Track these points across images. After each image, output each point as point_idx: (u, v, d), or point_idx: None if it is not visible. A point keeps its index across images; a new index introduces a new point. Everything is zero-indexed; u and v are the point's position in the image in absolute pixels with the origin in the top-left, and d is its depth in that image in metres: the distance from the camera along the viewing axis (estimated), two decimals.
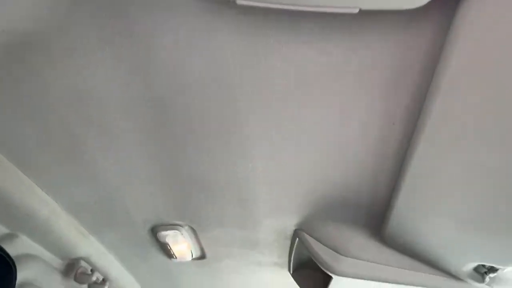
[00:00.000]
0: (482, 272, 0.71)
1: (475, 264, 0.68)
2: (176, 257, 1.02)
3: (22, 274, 0.71)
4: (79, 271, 0.91)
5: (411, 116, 0.52)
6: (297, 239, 0.86)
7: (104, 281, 1.00)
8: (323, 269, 0.79)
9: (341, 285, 0.84)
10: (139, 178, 0.74)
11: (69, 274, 0.89)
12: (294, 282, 1.06)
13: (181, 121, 0.60)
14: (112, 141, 0.65)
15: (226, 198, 0.78)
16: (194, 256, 1.06)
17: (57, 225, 0.78)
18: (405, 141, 0.56)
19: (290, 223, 0.84)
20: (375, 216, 0.77)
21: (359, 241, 0.78)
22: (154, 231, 0.91)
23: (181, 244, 0.98)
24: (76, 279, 0.90)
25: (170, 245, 0.96)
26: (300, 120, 0.58)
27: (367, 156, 0.62)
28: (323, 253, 0.79)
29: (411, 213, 0.67)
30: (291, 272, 1.06)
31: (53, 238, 0.79)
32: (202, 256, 1.07)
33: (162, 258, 1.06)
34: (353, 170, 0.67)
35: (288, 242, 0.94)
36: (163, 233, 0.91)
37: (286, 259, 1.03)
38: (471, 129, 0.46)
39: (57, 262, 0.86)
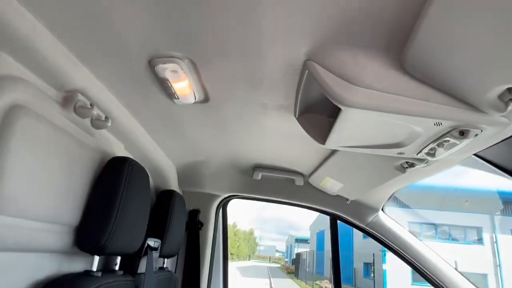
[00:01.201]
0: (506, 100, 0.66)
1: (501, 89, 0.62)
2: (177, 97, 0.99)
3: (9, 96, 0.67)
4: (78, 104, 0.88)
5: None
6: (307, 71, 0.79)
7: (107, 118, 0.99)
8: (332, 100, 0.75)
9: (350, 119, 0.81)
10: None
11: (67, 106, 0.86)
12: (299, 128, 1.05)
13: None
14: None
15: (228, 19, 0.67)
16: (197, 99, 1.02)
17: (42, 46, 0.70)
18: None
19: (299, 52, 0.76)
20: (395, 43, 0.68)
21: (374, 70, 0.71)
22: (152, 64, 0.84)
23: (182, 82, 0.92)
24: (76, 112, 0.88)
25: (171, 82, 0.91)
26: None
27: None
28: (333, 84, 0.73)
29: (437, 36, 0.58)
30: (297, 116, 1.04)
31: (40, 61, 0.73)
32: (205, 99, 1.04)
33: (164, 99, 1.02)
34: None
35: (296, 80, 0.88)
36: (162, 66, 0.84)
37: (293, 101, 0.99)
38: None
39: (52, 91, 0.82)
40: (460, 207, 17.17)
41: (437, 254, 1.61)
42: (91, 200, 0.94)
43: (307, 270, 23.63)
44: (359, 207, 1.70)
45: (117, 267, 1.08)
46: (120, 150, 1.18)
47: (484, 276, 15.05)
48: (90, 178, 0.96)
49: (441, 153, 0.89)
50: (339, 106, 0.75)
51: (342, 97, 0.73)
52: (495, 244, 16.56)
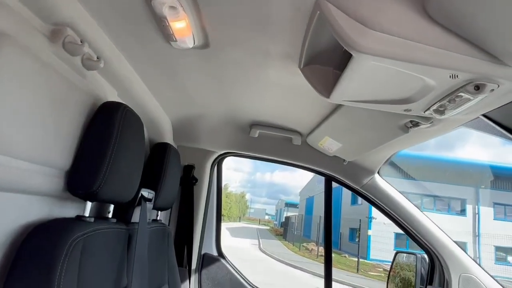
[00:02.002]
0: None
1: None
2: (175, 39, 0.91)
3: None
4: (67, 39, 0.81)
5: None
6: (318, 12, 0.72)
7: (99, 58, 0.92)
8: (344, 45, 0.69)
9: (361, 68, 0.76)
10: None
11: (56, 41, 0.79)
12: (302, 81, 1.00)
13: None
14: None
15: None
16: (196, 43, 0.95)
17: None
18: None
19: None
20: None
21: (394, 12, 0.65)
22: None
23: (181, 21, 0.85)
24: (65, 48, 0.81)
25: (168, 20, 0.84)
26: None
27: None
28: (347, 26, 0.67)
29: None
30: (301, 67, 0.99)
31: None
32: (205, 44, 0.97)
33: (160, 41, 0.95)
34: None
35: (305, 25, 0.82)
36: (160, 0, 0.77)
37: (298, 50, 0.93)
38: None
39: (38, 22, 0.75)
40: (447, 179, 17.63)
41: (429, 219, 1.63)
42: (83, 144, 0.90)
43: (295, 233, 24.49)
44: (355, 169, 1.69)
45: (110, 215, 1.06)
46: (113, 97, 1.12)
47: (464, 244, 15.79)
48: (81, 122, 0.91)
49: (451, 111, 0.86)
50: (351, 52, 0.70)
51: (355, 41, 0.67)
52: (476, 216, 17.23)
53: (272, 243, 22.21)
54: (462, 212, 17.56)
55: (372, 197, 1.69)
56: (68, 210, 0.95)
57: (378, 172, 1.70)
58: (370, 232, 17.40)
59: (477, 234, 16.69)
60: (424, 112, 0.92)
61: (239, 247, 16.10)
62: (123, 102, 1.01)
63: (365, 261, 15.98)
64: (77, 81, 0.88)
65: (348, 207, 21.01)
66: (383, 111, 1.05)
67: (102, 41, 0.92)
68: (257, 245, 20.00)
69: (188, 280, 1.68)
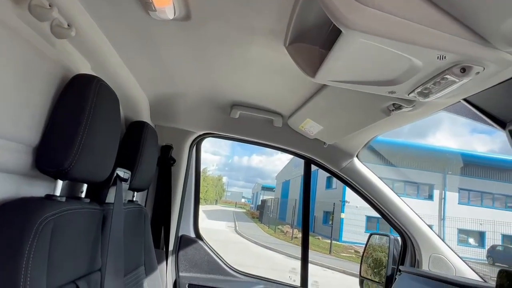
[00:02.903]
0: None
1: None
2: (154, 8, 0.85)
3: None
4: (33, 2, 0.73)
5: None
6: None
7: (70, 26, 0.85)
8: (334, 21, 0.66)
9: (350, 46, 0.74)
10: None
11: (21, 3, 0.71)
12: (286, 59, 0.97)
13: None
14: None
15: None
16: (176, 14, 0.89)
17: None
18: None
19: None
20: None
21: None
22: None
23: None
24: (31, 12, 0.74)
25: None
26: None
27: None
28: (338, 1, 0.64)
29: None
30: (287, 44, 0.95)
31: None
32: (186, 16, 0.91)
33: (138, 10, 0.89)
34: None
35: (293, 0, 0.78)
36: None
37: (285, 26, 0.90)
38: None
39: None
40: (417, 165, 18.36)
41: (404, 201, 1.68)
42: (53, 118, 0.84)
43: (271, 216, 24.91)
44: (334, 152, 1.70)
45: (83, 195, 1.00)
46: (86, 70, 1.05)
47: (430, 227, 16.62)
48: (51, 94, 0.84)
49: (434, 94, 0.86)
50: (341, 27, 0.67)
51: (346, 17, 0.64)
52: (443, 200, 18.16)
53: (248, 226, 22.51)
54: (430, 197, 18.44)
55: (350, 180, 1.72)
56: (38, 189, 0.89)
57: (357, 156, 1.71)
58: (343, 215, 17.96)
59: (442, 217, 17.61)
60: (408, 94, 0.91)
61: (215, 229, 16.20)
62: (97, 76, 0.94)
63: (338, 243, 16.54)
64: (45, 49, 0.81)
65: (323, 191, 21.52)
66: (366, 94, 1.05)
67: (73, 6, 0.85)
68: (233, 227, 20.20)
69: (165, 262, 1.65)
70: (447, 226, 17.12)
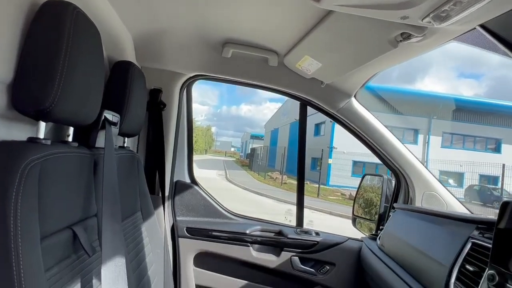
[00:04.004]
0: None
1: None
2: None
3: None
4: None
5: None
6: None
7: None
8: None
9: None
10: None
11: None
12: None
13: None
14: None
15: None
16: None
17: None
18: None
19: None
20: None
21: None
22: None
23: None
24: None
25: None
26: None
27: None
28: None
29: None
30: None
31: None
32: None
33: None
34: None
35: None
36: None
37: None
38: None
39: None
40: (404, 110, 18.59)
41: (399, 141, 1.67)
42: (24, 51, 0.73)
43: (260, 163, 25.42)
44: (331, 92, 1.64)
45: (70, 139, 0.93)
46: None
47: None
48: (19, 24, 0.73)
49: (452, 16, 0.78)
50: None
51: None
52: (426, 144, 18.73)
53: (238, 173, 23.03)
54: (415, 141, 18.96)
55: (347, 121, 1.68)
56: (18, 132, 0.81)
57: (354, 96, 1.66)
58: (330, 161, 18.47)
59: (425, 160, 18.29)
60: (422, 20, 0.83)
61: (206, 177, 16.53)
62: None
63: (325, 187, 17.20)
64: None
65: (311, 138, 21.84)
66: (372, 23, 0.96)
67: None
68: (224, 175, 20.65)
69: (161, 207, 1.65)
70: (430, 168, 17.83)
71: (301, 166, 1.90)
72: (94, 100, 0.91)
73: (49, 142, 0.78)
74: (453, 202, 1.63)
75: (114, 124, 1.10)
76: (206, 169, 22.37)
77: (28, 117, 0.76)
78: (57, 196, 0.76)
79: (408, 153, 1.66)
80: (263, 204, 11.46)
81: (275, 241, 1.75)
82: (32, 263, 0.62)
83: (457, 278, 0.94)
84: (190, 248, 1.72)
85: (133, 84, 1.23)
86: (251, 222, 1.83)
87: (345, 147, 18.11)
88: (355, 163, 18.62)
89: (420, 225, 1.30)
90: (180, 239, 1.72)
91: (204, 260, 1.74)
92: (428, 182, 1.65)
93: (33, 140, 0.76)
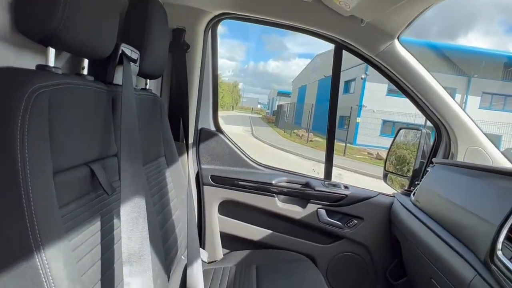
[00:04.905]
0: None
1: None
2: None
3: None
4: None
5: None
6: None
7: None
8: None
9: None
10: None
11: None
12: None
13: None
14: None
15: None
16: None
17: None
18: None
19: None
20: None
21: None
22: None
23: None
24: None
25: None
26: None
27: None
28: None
29: None
30: None
31: None
32: None
33: None
34: None
35: None
36: None
37: None
38: None
39: None
40: (441, 68, 17.39)
41: (445, 91, 1.50)
42: None
43: (286, 120, 25.19)
44: (372, 33, 1.46)
45: (84, 72, 0.87)
46: None
47: None
48: None
49: None
50: None
51: None
52: (463, 104, 17.65)
53: (264, 130, 23.06)
54: None
55: (387, 67, 1.51)
56: (28, 61, 0.75)
57: (398, 38, 1.47)
58: (358, 120, 17.97)
59: None
60: None
61: (232, 133, 16.66)
62: None
63: (352, 146, 16.93)
64: None
65: (340, 96, 21.11)
66: None
67: None
68: (250, 131, 20.74)
69: (186, 154, 1.61)
70: None
71: (332, 117, 1.78)
72: (108, 30, 0.82)
73: (59, 71, 0.72)
74: (501, 159, 1.48)
75: (133, 60, 1.02)
76: (232, 125, 22.52)
77: (36, 43, 0.69)
78: (71, 130, 0.70)
79: (455, 104, 1.49)
80: (289, 160, 11.50)
81: (302, 192, 1.69)
82: (44, 196, 0.58)
83: (507, 237, 0.84)
84: (214, 196, 1.71)
85: (154, 20, 1.13)
86: (277, 173, 1.77)
87: (375, 106, 17.45)
88: (384, 122, 18.03)
89: (464, 181, 1.18)
90: (204, 187, 1.70)
91: (228, 209, 1.73)
92: (474, 136, 1.49)
93: (42, 68, 0.69)
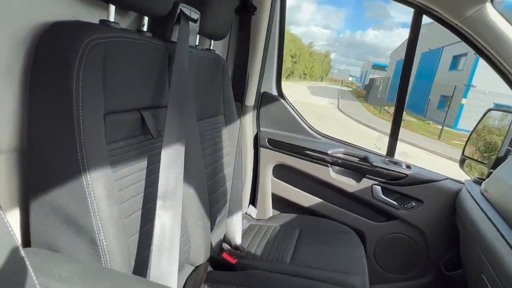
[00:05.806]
0: None
1: None
2: None
3: None
4: None
5: None
6: None
7: None
8: None
9: None
10: None
11: None
12: None
13: None
14: None
15: None
16: None
17: None
18: None
19: None
20: None
21: None
22: None
23: None
24: None
25: None
26: None
27: None
28: None
29: None
30: None
31: None
32: None
33: None
34: None
35: None
36: None
37: None
38: None
39: None
40: None
41: None
42: None
43: (378, 96, 23.49)
44: None
45: (144, 29, 0.97)
46: None
47: None
48: None
49: None
50: None
51: None
52: None
53: (352, 104, 22.01)
54: None
55: (474, 36, 1.30)
56: (96, 17, 0.88)
57: (491, 0, 1.24)
58: (464, 101, 15.77)
59: None
60: None
61: (317, 105, 16.36)
62: None
63: (451, 130, 15.11)
64: None
65: (445, 72, 18.70)
66: None
67: None
68: (336, 104, 20.04)
69: (245, 116, 1.68)
70: None
71: (403, 89, 1.64)
72: None
73: (118, 26, 0.82)
74: None
75: (193, 20, 1.09)
76: (319, 96, 22.00)
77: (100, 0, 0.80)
78: (124, 79, 0.81)
79: None
80: (372, 138, 10.87)
81: (358, 166, 1.64)
82: (93, 131, 0.70)
83: None
84: (270, 158, 1.77)
85: None
86: (334, 143, 1.74)
87: (488, 87, 15.03)
88: (497, 106, 15.49)
89: None
90: (261, 148, 1.77)
91: (282, 172, 1.78)
92: None
93: (102, 23, 0.80)
